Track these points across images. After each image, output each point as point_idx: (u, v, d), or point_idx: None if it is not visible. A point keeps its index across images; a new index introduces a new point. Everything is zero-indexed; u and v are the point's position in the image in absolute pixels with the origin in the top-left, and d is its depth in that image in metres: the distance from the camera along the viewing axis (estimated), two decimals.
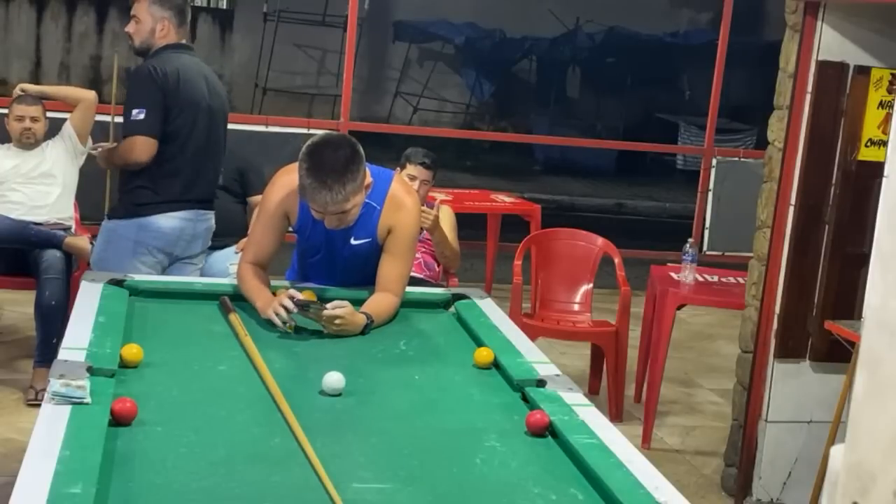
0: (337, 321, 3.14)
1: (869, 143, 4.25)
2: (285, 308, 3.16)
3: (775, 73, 4.40)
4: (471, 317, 3.40)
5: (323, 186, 3.15)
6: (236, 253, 5.11)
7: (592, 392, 5.53)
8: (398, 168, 4.97)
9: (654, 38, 16.23)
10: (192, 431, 2.41)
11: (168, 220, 4.29)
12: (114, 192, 4.65)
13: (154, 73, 4.20)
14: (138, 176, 4.24)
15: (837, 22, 4.17)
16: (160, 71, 4.21)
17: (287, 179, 3.43)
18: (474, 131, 14.43)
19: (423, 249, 5.19)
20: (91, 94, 5.47)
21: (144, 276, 3.74)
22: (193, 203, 4.35)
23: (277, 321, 3.15)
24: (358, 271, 3.49)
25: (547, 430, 2.54)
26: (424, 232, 5.09)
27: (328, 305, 3.16)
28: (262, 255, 3.47)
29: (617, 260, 5.60)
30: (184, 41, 4.38)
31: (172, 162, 4.26)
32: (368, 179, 3.29)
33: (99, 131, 5.64)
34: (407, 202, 3.46)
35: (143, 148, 4.18)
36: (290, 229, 3.56)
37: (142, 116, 4.15)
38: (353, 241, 3.44)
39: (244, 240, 5.15)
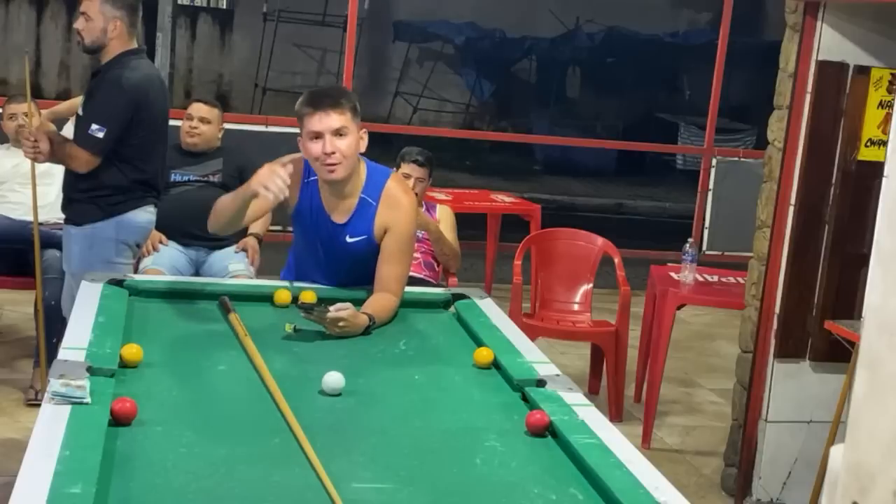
0: (340, 323, 3.14)
1: (869, 143, 4.25)
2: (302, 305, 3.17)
3: (775, 73, 4.41)
4: (471, 317, 3.40)
5: (323, 97, 3.35)
6: (236, 253, 5.11)
7: (592, 392, 5.53)
8: (394, 169, 4.97)
9: (654, 38, 16.21)
10: (191, 431, 2.41)
11: (143, 214, 4.36)
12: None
13: (129, 87, 4.19)
14: (106, 186, 4.25)
15: (837, 22, 4.17)
16: (133, 84, 4.21)
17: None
18: (474, 131, 14.41)
19: (423, 249, 5.19)
20: None
21: (144, 276, 3.74)
22: (155, 197, 4.44)
23: (275, 189, 3.12)
24: (354, 270, 3.49)
25: (547, 430, 2.54)
26: (423, 232, 5.09)
27: (331, 308, 3.16)
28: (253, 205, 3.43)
29: (617, 260, 5.60)
30: (137, 44, 4.35)
31: (141, 168, 4.31)
32: (364, 140, 3.38)
33: None
34: (403, 201, 3.46)
35: (87, 163, 4.20)
36: (288, 212, 3.53)
37: (101, 135, 4.14)
38: (348, 239, 3.44)
39: (244, 240, 5.16)
